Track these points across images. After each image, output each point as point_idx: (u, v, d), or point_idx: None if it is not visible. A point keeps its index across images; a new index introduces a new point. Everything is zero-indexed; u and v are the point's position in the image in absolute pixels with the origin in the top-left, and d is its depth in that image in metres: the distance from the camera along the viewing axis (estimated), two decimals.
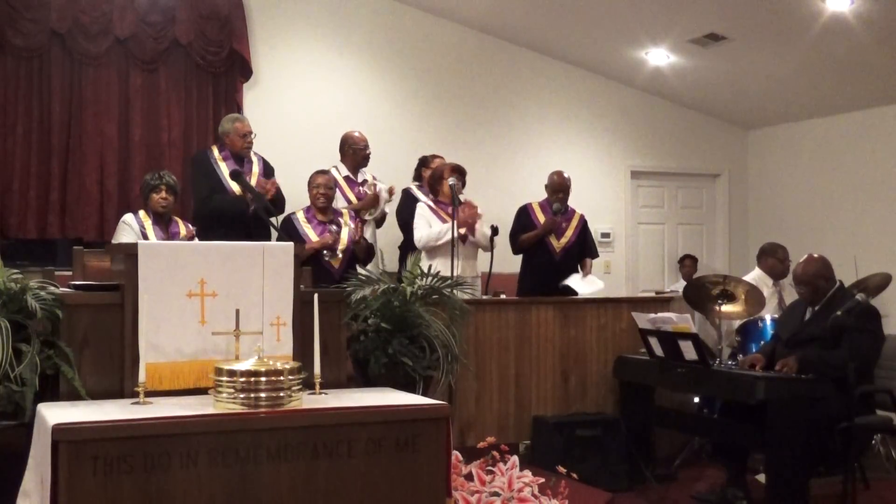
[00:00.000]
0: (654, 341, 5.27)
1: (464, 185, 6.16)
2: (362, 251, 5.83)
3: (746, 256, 8.92)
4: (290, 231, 5.58)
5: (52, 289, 3.29)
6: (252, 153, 6.04)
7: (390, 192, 6.63)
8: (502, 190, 7.71)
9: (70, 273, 4.85)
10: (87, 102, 6.80)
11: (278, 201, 5.89)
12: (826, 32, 6.74)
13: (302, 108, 7.46)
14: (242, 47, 7.21)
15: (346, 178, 6.45)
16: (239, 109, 7.22)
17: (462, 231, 5.85)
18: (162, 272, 3.23)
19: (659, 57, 7.96)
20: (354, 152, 6.48)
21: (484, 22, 8.03)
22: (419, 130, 7.85)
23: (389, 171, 7.00)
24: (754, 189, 9.44)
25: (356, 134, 6.54)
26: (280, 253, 3.43)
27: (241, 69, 7.27)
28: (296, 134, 7.30)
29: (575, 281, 6.26)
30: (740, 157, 9.46)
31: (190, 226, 5.72)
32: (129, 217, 5.57)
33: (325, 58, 7.68)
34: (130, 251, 3.26)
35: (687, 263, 8.76)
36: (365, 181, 6.55)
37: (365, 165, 6.57)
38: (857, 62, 7.29)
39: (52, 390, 3.16)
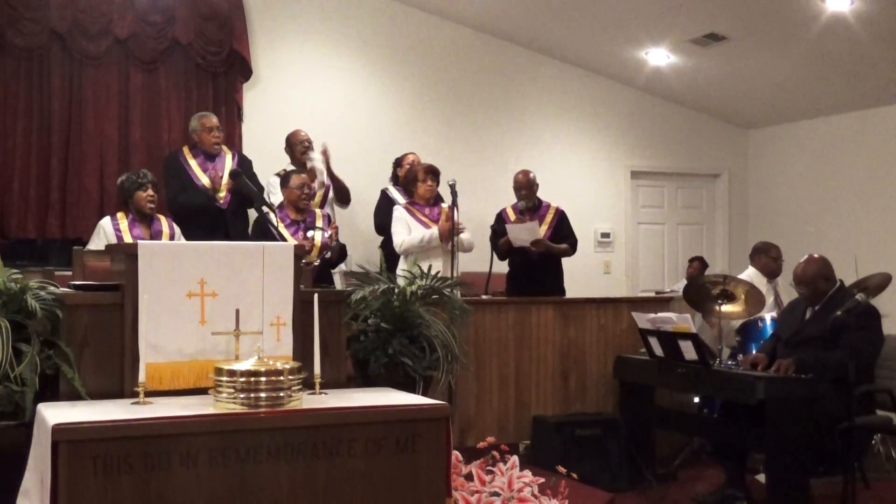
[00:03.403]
0: (654, 341, 5.27)
1: (438, 184, 6.14)
2: (335, 253, 5.83)
3: (746, 256, 8.91)
4: (264, 231, 5.55)
5: (52, 289, 3.29)
6: (224, 148, 6.12)
7: (324, 153, 6.64)
8: (502, 190, 7.68)
9: (70, 273, 4.85)
10: (87, 102, 6.80)
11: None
12: (826, 32, 6.74)
13: (302, 107, 7.46)
14: (242, 47, 7.21)
15: None
16: (239, 109, 7.23)
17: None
18: (162, 272, 3.23)
19: (659, 57, 7.96)
20: (293, 148, 6.58)
21: (484, 22, 8.03)
22: (418, 130, 7.85)
23: (388, 171, 6.99)
24: (754, 189, 9.44)
25: (301, 133, 6.63)
26: (280, 253, 3.43)
27: (241, 69, 7.27)
28: None
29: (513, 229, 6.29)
30: (740, 157, 9.46)
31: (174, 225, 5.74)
32: (104, 221, 5.58)
33: (325, 58, 7.69)
34: (130, 251, 3.26)
35: (694, 265, 8.71)
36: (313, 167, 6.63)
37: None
38: (857, 62, 7.29)
39: (52, 390, 3.16)
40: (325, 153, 6.65)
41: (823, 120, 8.61)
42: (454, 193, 5.68)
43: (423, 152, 6.98)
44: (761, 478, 5.21)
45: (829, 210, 8.51)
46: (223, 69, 7.21)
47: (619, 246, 8.85)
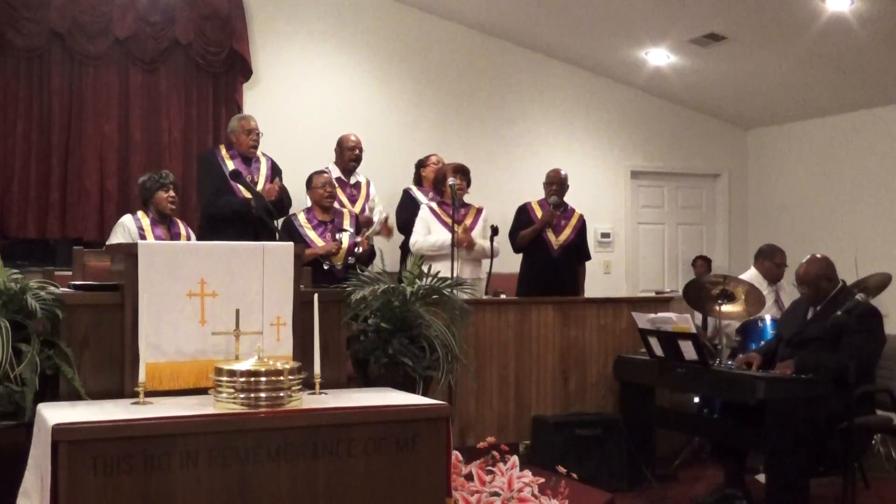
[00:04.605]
0: (654, 341, 5.27)
1: (469, 183, 6.17)
2: (365, 255, 5.85)
3: (746, 256, 8.89)
4: (291, 233, 5.58)
5: (52, 289, 3.28)
6: (260, 153, 6.06)
7: (384, 225, 6.60)
8: (502, 190, 7.71)
9: (70, 273, 4.85)
10: (87, 102, 6.80)
11: (281, 203, 5.85)
12: (826, 32, 6.74)
13: (302, 108, 7.46)
14: (242, 47, 7.21)
15: (338, 180, 6.45)
16: (239, 109, 7.22)
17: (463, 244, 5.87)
18: (162, 272, 3.23)
19: (659, 57, 7.96)
20: (342, 151, 6.54)
21: (484, 22, 8.03)
22: (419, 130, 7.86)
23: (388, 171, 7.01)
24: (754, 189, 9.44)
25: (352, 137, 6.59)
26: (280, 253, 3.43)
27: (241, 69, 7.27)
28: (296, 134, 7.30)
29: None
30: (740, 157, 9.46)
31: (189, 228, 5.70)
32: (127, 218, 5.53)
33: (325, 58, 7.69)
34: (130, 251, 3.25)
35: (699, 264, 8.72)
36: (358, 183, 6.57)
37: (356, 166, 6.59)
38: (857, 62, 7.29)
39: (52, 390, 3.16)
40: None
41: (823, 120, 8.61)
42: (454, 194, 5.69)
43: (422, 152, 6.99)
44: (761, 478, 5.21)
45: (829, 210, 8.50)
46: (223, 69, 7.21)
47: (619, 246, 8.85)
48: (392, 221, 6.68)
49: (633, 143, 8.89)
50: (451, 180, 5.83)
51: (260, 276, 3.36)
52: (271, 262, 3.38)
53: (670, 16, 7.18)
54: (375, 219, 6.56)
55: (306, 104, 7.51)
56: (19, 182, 6.60)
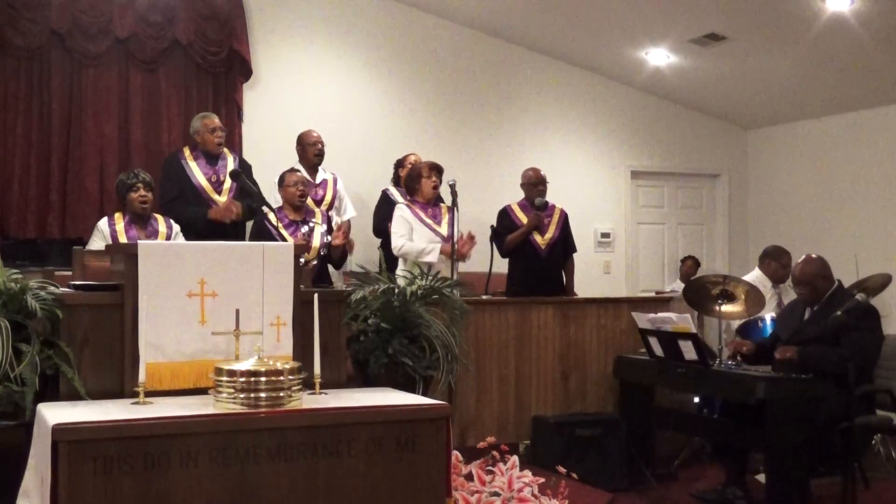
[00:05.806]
0: (654, 341, 5.27)
1: (441, 182, 6.11)
2: (337, 253, 5.80)
3: (746, 256, 8.93)
4: (262, 233, 5.55)
5: (52, 289, 3.29)
6: (225, 150, 6.09)
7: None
8: (502, 190, 7.69)
9: (70, 273, 4.85)
10: (87, 102, 6.79)
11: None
12: (826, 32, 6.74)
13: (302, 108, 7.46)
14: (242, 47, 7.21)
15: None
16: (239, 109, 7.23)
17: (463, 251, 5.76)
18: (162, 272, 3.23)
19: (659, 57, 7.96)
20: (305, 149, 6.50)
21: (484, 22, 8.03)
22: (418, 130, 7.85)
23: (388, 171, 6.99)
24: (754, 189, 9.44)
25: (313, 133, 6.54)
26: (280, 253, 3.43)
27: (241, 69, 7.27)
28: (295, 134, 7.28)
29: None
30: (740, 157, 9.46)
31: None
32: (102, 222, 5.59)
33: (325, 58, 7.68)
34: (130, 251, 3.26)
35: (688, 264, 8.76)
36: (324, 181, 6.55)
37: (320, 162, 6.55)
38: (857, 62, 7.29)
39: (52, 390, 3.16)
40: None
41: (823, 120, 8.61)
42: (454, 194, 5.67)
43: (422, 152, 6.97)
44: (761, 478, 5.21)
45: (829, 210, 8.50)
46: (223, 69, 7.21)
47: (619, 246, 8.85)
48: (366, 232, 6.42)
49: (633, 143, 8.89)
50: (450, 180, 5.80)
51: (260, 276, 3.36)
52: (271, 262, 3.38)
53: (670, 16, 7.18)
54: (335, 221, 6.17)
55: (306, 104, 7.50)
56: (19, 182, 6.59)
